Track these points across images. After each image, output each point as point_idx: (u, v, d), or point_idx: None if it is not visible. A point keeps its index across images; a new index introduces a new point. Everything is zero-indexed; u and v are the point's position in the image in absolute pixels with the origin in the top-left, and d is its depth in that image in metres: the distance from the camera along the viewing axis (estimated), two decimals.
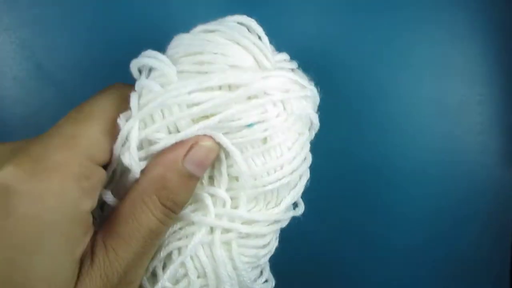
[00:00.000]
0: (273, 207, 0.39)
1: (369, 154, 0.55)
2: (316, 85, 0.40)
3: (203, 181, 0.39)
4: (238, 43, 0.36)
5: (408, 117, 0.55)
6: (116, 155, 0.35)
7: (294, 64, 0.40)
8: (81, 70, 0.51)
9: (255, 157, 0.36)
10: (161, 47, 0.49)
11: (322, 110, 0.42)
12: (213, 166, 0.38)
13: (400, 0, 0.55)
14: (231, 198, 0.38)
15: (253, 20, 0.38)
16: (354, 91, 0.54)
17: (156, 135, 0.35)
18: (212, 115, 0.35)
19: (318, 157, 0.42)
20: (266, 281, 0.42)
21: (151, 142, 0.36)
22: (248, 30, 0.38)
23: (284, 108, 0.36)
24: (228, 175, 0.38)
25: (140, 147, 0.36)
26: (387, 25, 0.54)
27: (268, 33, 0.39)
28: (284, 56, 0.39)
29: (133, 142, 0.35)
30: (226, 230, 0.38)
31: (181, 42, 0.37)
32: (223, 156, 0.37)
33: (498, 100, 0.56)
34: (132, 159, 0.35)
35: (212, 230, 0.38)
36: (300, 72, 0.40)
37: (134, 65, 0.38)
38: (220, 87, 0.35)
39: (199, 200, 0.38)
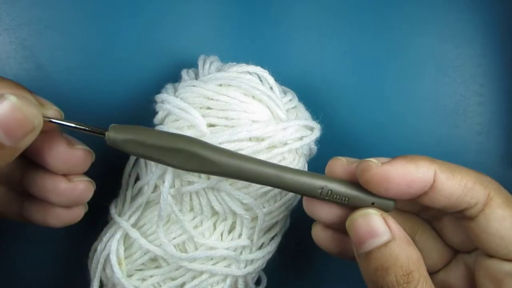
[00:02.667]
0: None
1: (368, 154, 0.53)
2: (318, 117, 0.45)
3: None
4: (254, 98, 0.41)
5: (408, 117, 0.54)
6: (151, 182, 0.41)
7: (295, 101, 0.45)
8: (81, 70, 0.51)
9: (271, 200, 0.42)
10: (160, 46, 0.52)
11: (320, 107, 0.46)
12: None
13: (400, 0, 0.54)
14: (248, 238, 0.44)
15: (265, 71, 0.43)
16: (352, 91, 0.54)
17: (187, 176, 0.40)
18: None
19: (318, 157, 0.45)
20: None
21: (182, 182, 0.41)
22: (260, 79, 0.43)
23: (297, 152, 0.42)
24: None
25: (172, 185, 0.41)
26: (386, 25, 0.54)
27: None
28: (289, 96, 0.44)
29: (170, 175, 0.40)
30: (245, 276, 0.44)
31: (200, 93, 0.41)
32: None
33: (498, 100, 0.55)
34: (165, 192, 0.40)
35: (236, 278, 0.44)
36: (301, 108, 0.45)
37: (159, 108, 0.43)
38: (246, 139, 0.40)
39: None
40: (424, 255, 0.35)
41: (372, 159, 0.35)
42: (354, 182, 0.36)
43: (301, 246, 0.52)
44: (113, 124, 0.35)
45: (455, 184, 0.34)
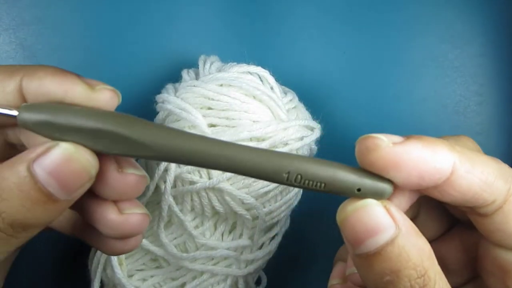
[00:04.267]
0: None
1: None
2: (318, 117, 0.45)
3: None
4: (255, 98, 0.41)
5: (408, 117, 0.54)
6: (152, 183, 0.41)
7: (296, 101, 0.45)
8: (80, 71, 0.49)
9: (272, 199, 0.42)
10: (160, 46, 0.52)
11: (320, 107, 0.46)
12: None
13: (399, 0, 0.54)
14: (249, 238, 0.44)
15: (266, 71, 0.44)
16: (352, 91, 0.54)
17: (188, 175, 0.40)
18: None
19: (318, 157, 0.45)
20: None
21: (183, 182, 0.41)
22: (261, 79, 0.43)
23: (297, 153, 0.42)
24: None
25: (173, 185, 0.41)
26: (386, 25, 0.54)
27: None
28: (290, 96, 0.45)
29: (171, 175, 0.40)
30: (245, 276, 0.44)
31: (200, 93, 0.41)
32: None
33: (498, 100, 0.55)
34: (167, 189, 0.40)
35: (236, 278, 0.44)
36: (302, 108, 0.45)
37: (160, 109, 0.43)
38: (247, 140, 0.40)
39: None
40: (424, 224, 0.31)
41: (381, 136, 0.28)
42: (333, 162, 0.29)
43: (301, 246, 0.52)
44: (25, 103, 0.28)
45: (474, 179, 0.27)
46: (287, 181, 0.28)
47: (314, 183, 0.28)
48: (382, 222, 0.27)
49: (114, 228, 0.32)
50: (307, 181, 0.28)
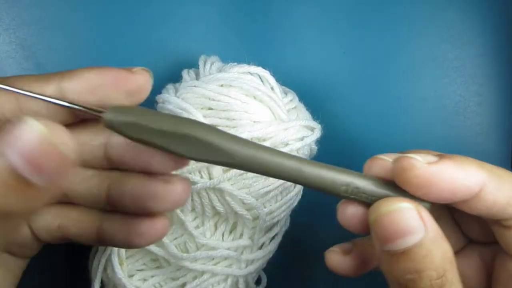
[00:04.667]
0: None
1: (367, 155, 0.53)
2: (318, 117, 0.45)
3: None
4: (256, 98, 0.41)
5: (408, 118, 0.54)
6: None
7: (296, 101, 0.45)
8: None
9: (272, 200, 0.42)
10: (160, 46, 0.52)
11: (320, 107, 0.46)
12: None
13: (399, 0, 0.54)
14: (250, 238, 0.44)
15: (266, 71, 0.44)
16: (352, 91, 0.54)
17: (188, 176, 0.40)
18: None
19: (318, 157, 0.45)
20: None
21: None
22: (261, 80, 0.43)
23: (298, 153, 0.42)
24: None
25: None
26: (386, 25, 0.54)
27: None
28: (290, 96, 0.45)
29: None
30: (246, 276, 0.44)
31: (201, 93, 0.41)
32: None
33: (497, 101, 0.55)
34: None
35: (236, 278, 0.44)
36: (302, 108, 0.45)
37: (161, 109, 0.43)
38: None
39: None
40: None
41: (416, 156, 0.29)
42: (385, 180, 0.31)
43: (301, 246, 0.52)
44: (112, 106, 0.30)
45: (500, 195, 0.29)
46: (343, 193, 0.31)
47: (367, 196, 0.31)
48: (413, 225, 0.28)
49: (164, 200, 0.32)
50: (361, 194, 0.31)
